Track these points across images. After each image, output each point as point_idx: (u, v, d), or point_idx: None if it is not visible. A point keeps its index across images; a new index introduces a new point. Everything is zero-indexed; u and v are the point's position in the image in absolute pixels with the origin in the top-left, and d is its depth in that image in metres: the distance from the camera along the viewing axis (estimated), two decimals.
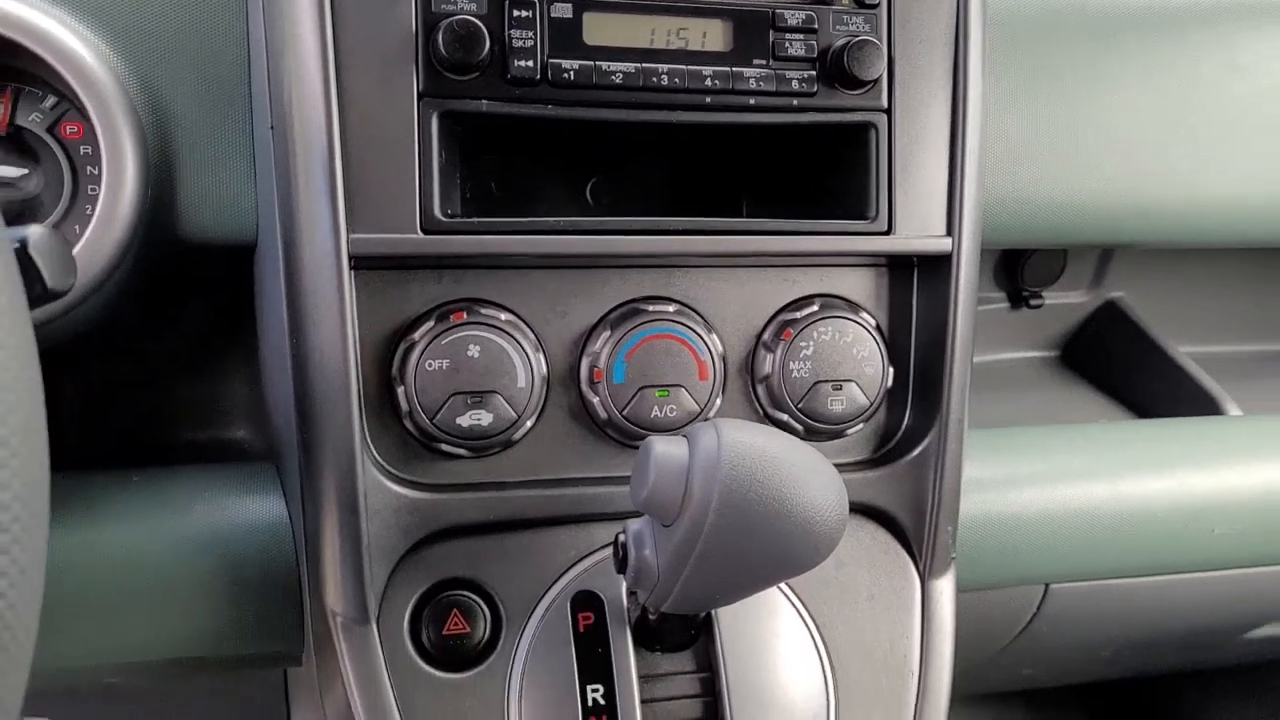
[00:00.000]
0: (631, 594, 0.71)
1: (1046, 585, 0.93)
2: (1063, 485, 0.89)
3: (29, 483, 0.41)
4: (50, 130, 0.75)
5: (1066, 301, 1.16)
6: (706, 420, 0.70)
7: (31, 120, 0.75)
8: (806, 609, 0.74)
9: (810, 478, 0.58)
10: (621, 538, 0.64)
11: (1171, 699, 1.59)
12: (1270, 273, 1.21)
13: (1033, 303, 1.12)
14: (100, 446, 0.85)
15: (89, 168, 0.76)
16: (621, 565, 0.64)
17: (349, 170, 0.65)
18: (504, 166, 0.81)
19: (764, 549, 0.58)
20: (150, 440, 0.85)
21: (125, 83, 0.70)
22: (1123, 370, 1.13)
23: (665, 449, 0.59)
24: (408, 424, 0.69)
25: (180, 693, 0.97)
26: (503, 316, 0.70)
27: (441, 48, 0.65)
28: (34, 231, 0.49)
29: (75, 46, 0.69)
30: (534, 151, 0.81)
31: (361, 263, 0.67)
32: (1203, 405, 1.06)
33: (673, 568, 0.60)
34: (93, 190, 0.76)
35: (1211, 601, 1.02)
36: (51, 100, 0.75)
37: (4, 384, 0.39)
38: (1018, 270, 1.10)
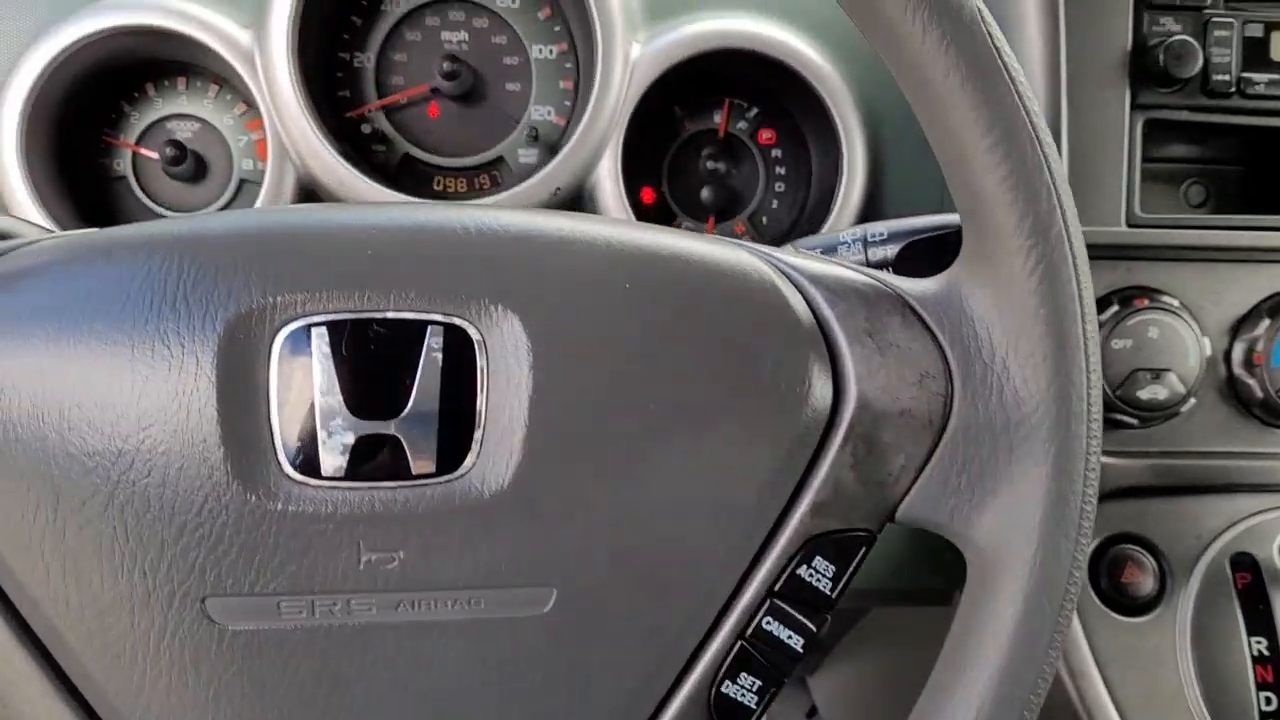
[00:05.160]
0: None
1: None
2: None
3: None
4: (751, 136, 0.89)
5: None
6: None
7: (739, 128, 0.89)
8: None
9: None
10: None
11: None
12: None
13: None
14: None
15: (776, 167, 0.89)
16: None
17: (1071, 168, 0.75)
18: None
19: None
20: None
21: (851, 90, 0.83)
22: None
23: None
24: None
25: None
26: (1175, 302, 0.79)
27: (1161, 63, 0.74)
28: None
29: (814, 57, 0.82)
30: None
31: None
32: None
33: None
34: (779, 187, 0.90)
35: None
36: (754, 111, 0.89)
37: None
38: None
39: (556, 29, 0.85)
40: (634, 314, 0.47)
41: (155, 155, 0.83)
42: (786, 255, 0.52)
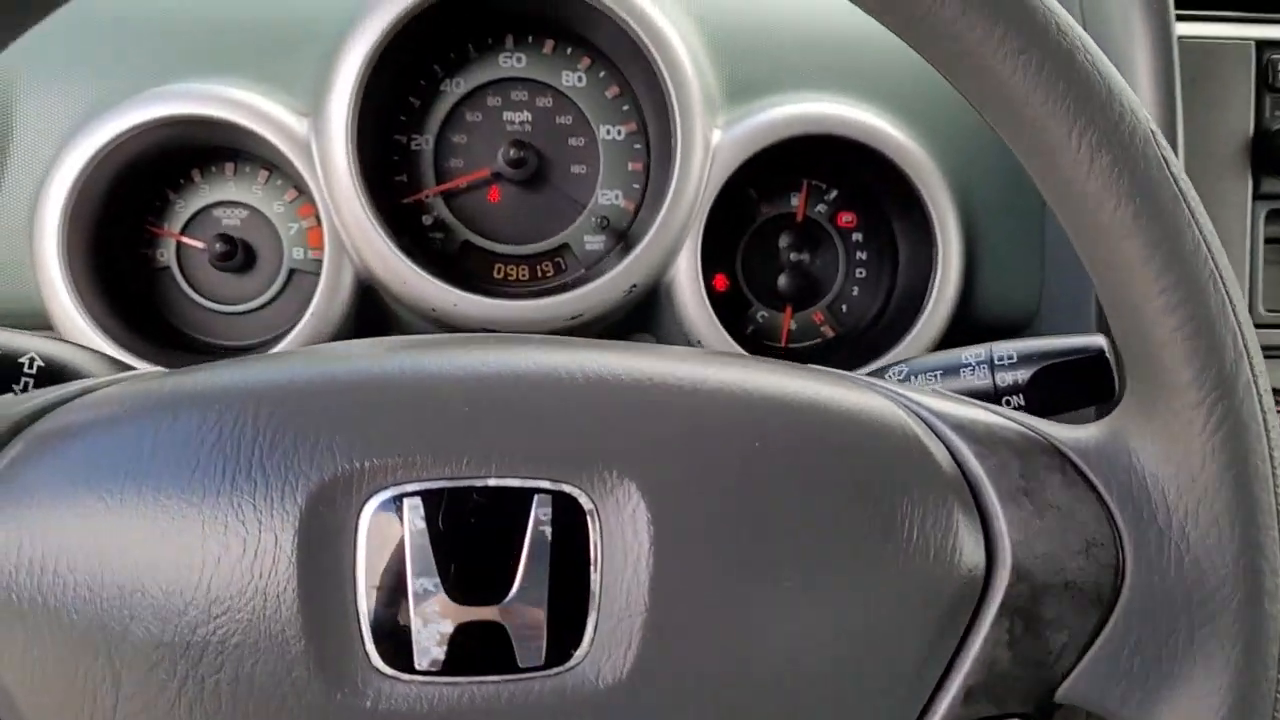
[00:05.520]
0: None
1: None
2: None
3: None
4: (830, 219, 0.84)
5: None
6: None
7: (817, 211, 0.84)
8: None
9: None
10: None
11: None
12: None
13: None
14: None
15: (857, 252, 0.84)
16: None
17: None
18: None
19: None
20: None
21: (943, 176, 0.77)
22: None
23: None
24: None
25: None
26: None
27: None
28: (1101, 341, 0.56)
29: (904, 141, 0.76)
30: None
31: None
32: None
33: None
34: (860, 273, 0.84)
35: None
36: (833, 193, 0.84)
37: None
38: None
39: (625, 108, 0.80)
40: (763, 477, 0.42)
41: (201, 245, 0.78)
42: (923, 396, 0.46)
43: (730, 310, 0.82)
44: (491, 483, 0.40)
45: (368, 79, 0.72)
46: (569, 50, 0.80)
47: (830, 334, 0.84)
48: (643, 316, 0.80)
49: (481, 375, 0.42)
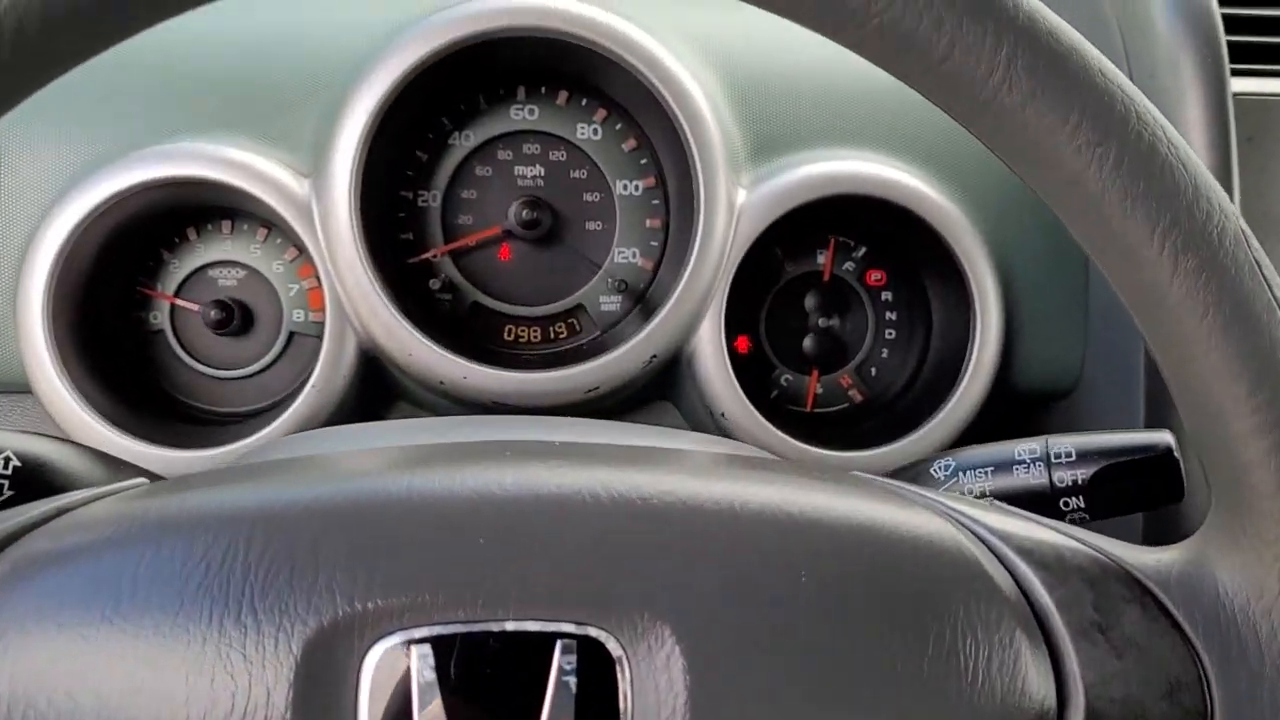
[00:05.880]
0: None
1: None
2: None
3: None
4: (858, 278, 0.80)
5: None
6: None
7: (845, 269, 0.80)
8: None
9: None
10: None
11: None
12: None
13: None
14: None
15: (887, 313, 0.80)
16: None
17: None
18: None
19: None
20: None
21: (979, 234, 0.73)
22: None
23: None
24: None
25: None
26: None
27: None
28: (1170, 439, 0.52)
29: (939, 200, 0.72)
30: None
31: None
32: None
33: None
34: (890, 335, 0.80)
35: None
36: (862, 250, 0.79)
37: None
38: None
39: (643, 161, 0.76)
40: (810, 616, 0.37)
41: (195, 308, 0.74)
42: (982, 513, 0.42)
43: (753, 374, 0.78)
44: (509, 627, 0.36)
45: (373, 135, 0.68)
46: (584, 102, 0.76)
47: (859, 399, 0.79)
48: (661, 382, 0.76)
49: (498, 500, 0.38)
